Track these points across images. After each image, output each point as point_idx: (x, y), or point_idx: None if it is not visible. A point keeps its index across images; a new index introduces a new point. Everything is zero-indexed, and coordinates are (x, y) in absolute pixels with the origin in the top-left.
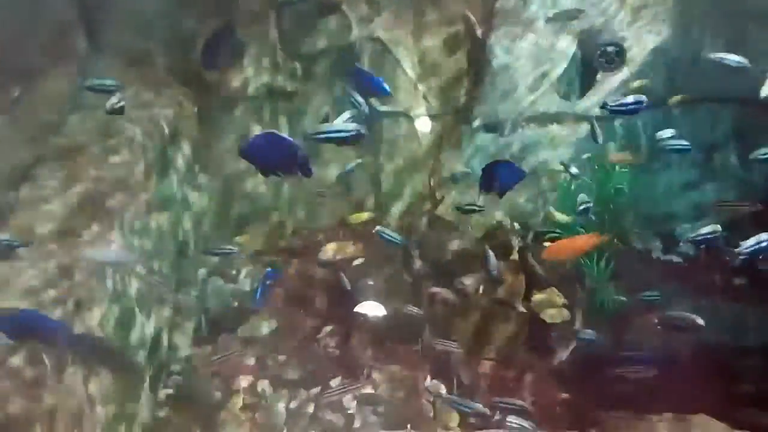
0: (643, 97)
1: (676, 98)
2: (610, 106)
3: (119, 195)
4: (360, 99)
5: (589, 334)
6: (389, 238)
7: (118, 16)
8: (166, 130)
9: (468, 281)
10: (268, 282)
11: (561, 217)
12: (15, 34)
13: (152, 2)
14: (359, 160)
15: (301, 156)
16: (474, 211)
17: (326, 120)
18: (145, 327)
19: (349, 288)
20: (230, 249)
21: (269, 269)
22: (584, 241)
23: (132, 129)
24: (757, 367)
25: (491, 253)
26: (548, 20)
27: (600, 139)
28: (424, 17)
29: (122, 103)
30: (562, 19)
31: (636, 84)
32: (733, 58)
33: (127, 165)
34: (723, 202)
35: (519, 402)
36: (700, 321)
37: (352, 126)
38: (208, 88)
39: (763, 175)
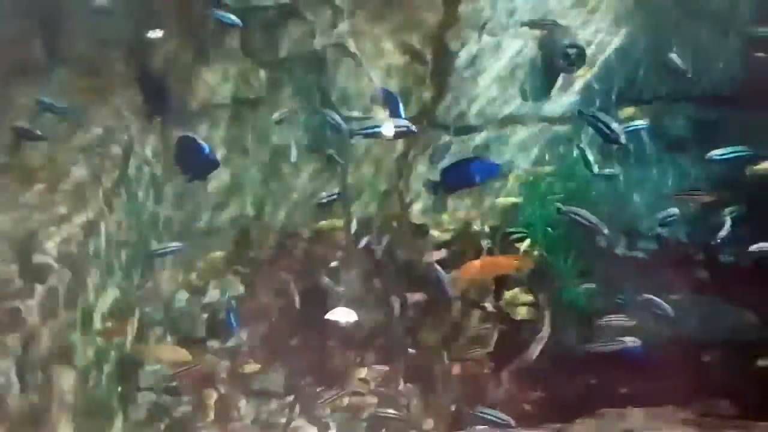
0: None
1: (629, 110)
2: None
3: (80, 207)
4: (339, 119)
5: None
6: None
7: (77, 27)
8: (128, 141)
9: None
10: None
11: (504, 201)
12: None
13: (112, 13)
14: (336, 191)
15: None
16: None
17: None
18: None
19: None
20: (175, 246)
21: (227, 298)
22: (505, 262)
23: (92, 138)
24: (721, 358)
25: (441, 272)
26: (521, 25)
27: (595, 169)
28: (387, 23)
29: None
30: (536, 27)
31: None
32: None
33: (88, 176)
34: (681, 192)
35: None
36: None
37: (403, 122)
38: (171, 97)
39: (721, 171)
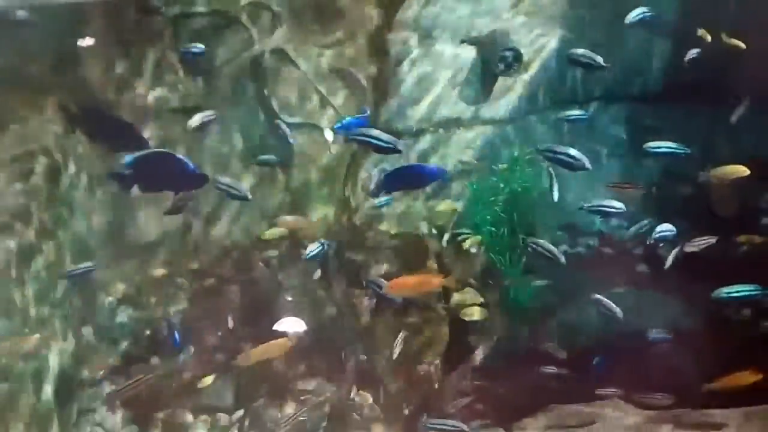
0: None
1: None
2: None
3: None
4: (286, 129)
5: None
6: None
7: (2, 37)
8: (57, 155)
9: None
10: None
11: (446, 206)
12: None
13: (39, 23)
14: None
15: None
16: None
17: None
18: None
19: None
20: (88, 266)
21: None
22: (430, 280)
23: (19, 159)
24: (663, 351)
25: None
26: (462, 42)
27: (556, 196)
28: (326, 27)
29: None
30: (475, 43)
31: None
32: (597, 59)
33: (18, 191)
34: (614, 184)
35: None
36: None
37: (391, 138)
38: (103, 108)
39: (653, 168)
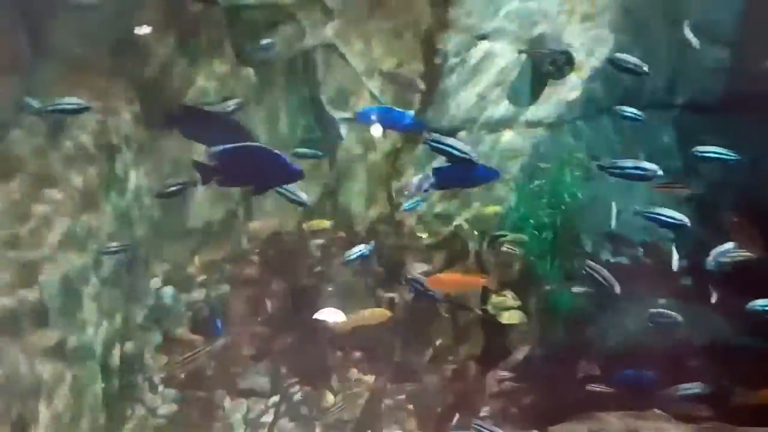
0: None
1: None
2: None
3: (69, 202)
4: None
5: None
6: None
7: (63, 21)
8: (115, 138)
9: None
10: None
11: (489, 209)
12: None
13: (99, 8)
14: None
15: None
16: None
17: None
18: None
19: None
20: (124, 244)
21: (212, 299)
22: (473, 279)
23: (79, 137)
24: (704, 364)
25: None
26: (520, 53)
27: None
28: (377, 24)
29: None
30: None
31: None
32: (632, 60)
33: (76, 173)
34: (661, 185)
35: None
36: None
37: (468, 149)
38: (158, 95)
39: (705, 177)
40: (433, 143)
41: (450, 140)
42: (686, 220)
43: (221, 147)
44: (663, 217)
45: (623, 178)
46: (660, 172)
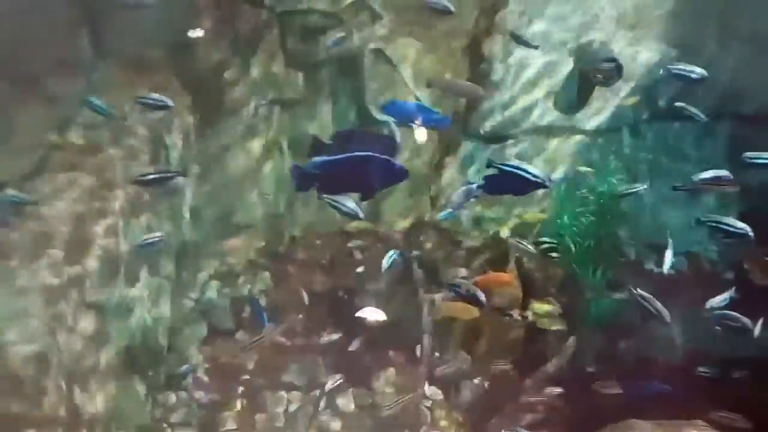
0: None
1: (631, 100)
2: None
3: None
4: (395, 128)
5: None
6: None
7: (122, 21)
8: (169, 136)
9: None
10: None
11: (533, 216)
12: (19, 38)
13: (157, 9)
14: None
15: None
16: None
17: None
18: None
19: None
20: (157, 236)
21: (255, 296)
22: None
23: (135, 135)
24: (747, 376)
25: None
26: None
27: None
28: (424, 28)
29: None
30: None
31: (629, 101)
32: (696, 71)
33: (129, 170)
34: (707, 181)
35: None
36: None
37: (541, 173)
38: (210, 95)
39: (755, 188)
40: (500, 166)
41: (516, 162)
42: (748, 229)
43: (323, 158)
44: (725, 227)
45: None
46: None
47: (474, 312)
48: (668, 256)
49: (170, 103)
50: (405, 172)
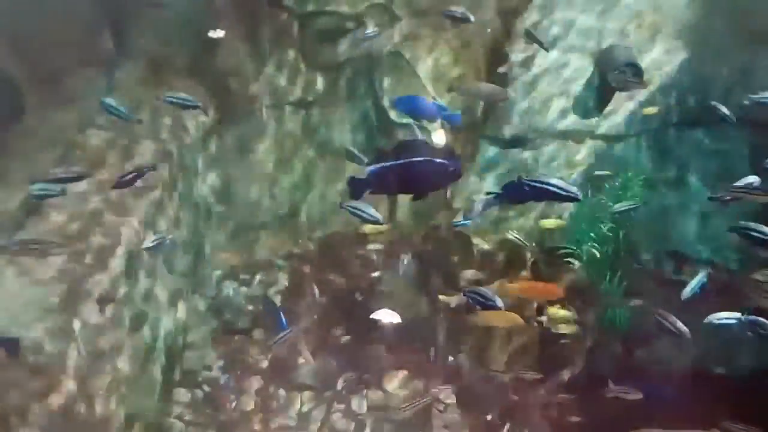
0: None
1: (651, 110)
2: None
3: (143, 195)
4: (418, 131)
5: None
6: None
7: (144, 21)
8: (189, 135)
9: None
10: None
11: (553, 223)
12: (43, 37)
13: (178, 9)
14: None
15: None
16: None
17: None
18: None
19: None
20: (160, 236)
21: (268, 300)
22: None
23: (155, 133)
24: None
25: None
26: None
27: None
28: (443, 31)
29: None
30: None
31: (648, 110)
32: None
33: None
34: (737, 189)
35: None
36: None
37: (572, 188)
38: (230, 95)
39: None
40: (530, 183)
41: (552, 179)
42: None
43: (377, 166)
44: (756, 234)
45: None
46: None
47: (516, 319)
48: (695, 282)
49: (199, 103)
50: (457, 174)
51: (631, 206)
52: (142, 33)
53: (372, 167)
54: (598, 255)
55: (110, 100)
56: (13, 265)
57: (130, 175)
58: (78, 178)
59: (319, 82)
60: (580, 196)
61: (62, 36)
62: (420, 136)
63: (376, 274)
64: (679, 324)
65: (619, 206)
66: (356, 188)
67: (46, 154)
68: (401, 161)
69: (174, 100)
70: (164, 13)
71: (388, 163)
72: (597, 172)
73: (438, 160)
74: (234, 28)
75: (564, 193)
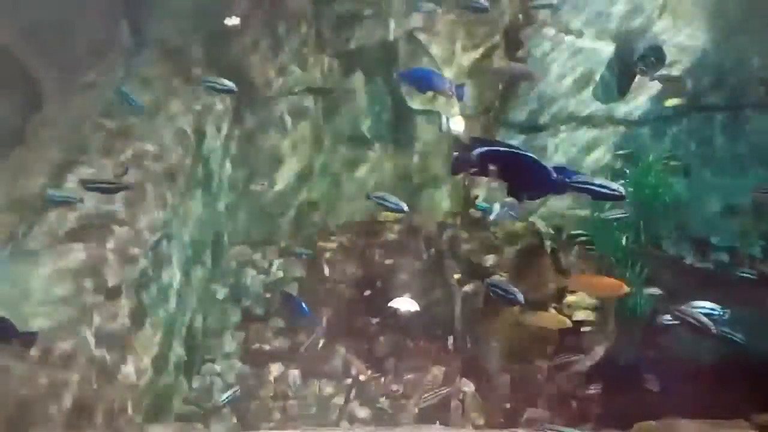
0: None
1: (673, 101)
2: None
3: (162, 184)
4: (445, 121)
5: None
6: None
7: (161, 11)
8: (205, 123)
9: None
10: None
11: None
12: (62, 27)
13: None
14: None
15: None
16: None
17: None
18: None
19: None
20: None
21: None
22: (618, 284)
23: (173, 121)
24: None
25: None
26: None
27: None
28: (461, 17)
29: None
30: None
31: (670, 102)
32: None
33: (167, 157)
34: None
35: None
36: None
37: (616, 186)
38: (246, 83)
39: None
40: (577, 184)
41: (597, 179)
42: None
43: (486, 149)
44: (689, 318)
45: None
46: None
47: (565, 322)
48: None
49: (234, 87)
50: (561, 186)
51: (621, 216)
52: (160, 23)
53: (481, 149)
54: (611, 241)
55: (126, 89)
56: (33, 257)
57: (113, 185)
58: (116, 189)
59: (336, 69)
60: (625, 194)
61: (80, 25)
62: (445, 124)
63: (392, 260)
64: (703, 318)
65: (608, 215)
66: (460, 165)
67: (63, 143)
68: (510, 150)
69: (210, 84)
70: (181, 1)
71: (496, 148)
72: (619, 152)
73: (543, 164)
74: (250, 15)
75: (609, 192)
